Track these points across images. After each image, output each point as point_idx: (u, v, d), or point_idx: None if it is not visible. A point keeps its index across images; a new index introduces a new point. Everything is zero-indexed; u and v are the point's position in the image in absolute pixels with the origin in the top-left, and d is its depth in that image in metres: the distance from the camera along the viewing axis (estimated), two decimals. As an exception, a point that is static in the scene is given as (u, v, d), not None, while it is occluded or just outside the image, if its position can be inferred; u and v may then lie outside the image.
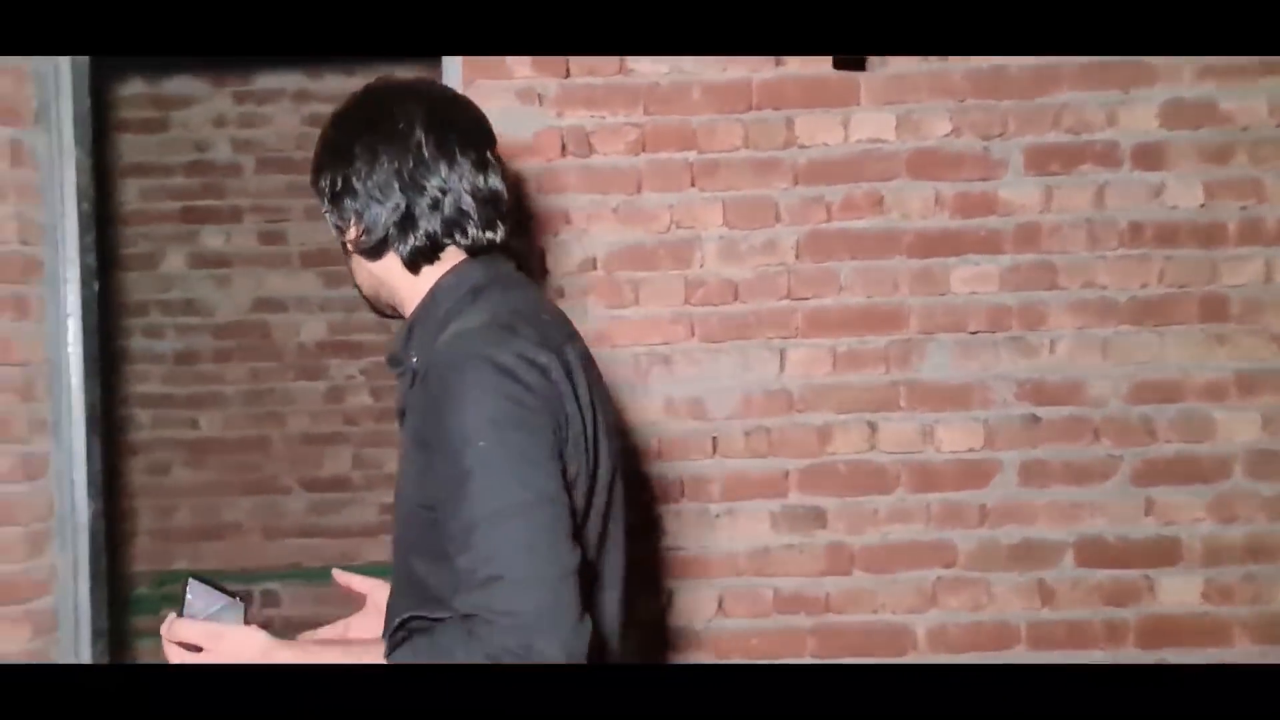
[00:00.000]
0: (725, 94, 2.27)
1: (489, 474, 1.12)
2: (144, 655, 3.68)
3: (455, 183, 1.29)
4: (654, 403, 2.27)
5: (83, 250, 2.32)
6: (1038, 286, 2.30)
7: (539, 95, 2.25)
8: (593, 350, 2.24)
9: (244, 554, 3.90)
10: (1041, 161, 2.30)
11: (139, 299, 3.88)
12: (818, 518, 2.29)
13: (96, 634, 2.33)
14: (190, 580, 1.35)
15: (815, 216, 2.29)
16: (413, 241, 1.29)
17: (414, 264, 1.31)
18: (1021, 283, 2.30)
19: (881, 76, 2.28)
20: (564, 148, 2.26)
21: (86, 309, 2.33)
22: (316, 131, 3.98)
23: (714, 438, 2.28)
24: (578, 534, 1.17)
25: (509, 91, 2.25)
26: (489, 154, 1.33)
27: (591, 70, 2.26)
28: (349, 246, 1.35)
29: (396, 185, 1.28)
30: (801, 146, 2.29)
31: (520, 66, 2.24)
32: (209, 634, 1.26)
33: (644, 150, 2.27)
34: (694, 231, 2.28)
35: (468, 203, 1.29)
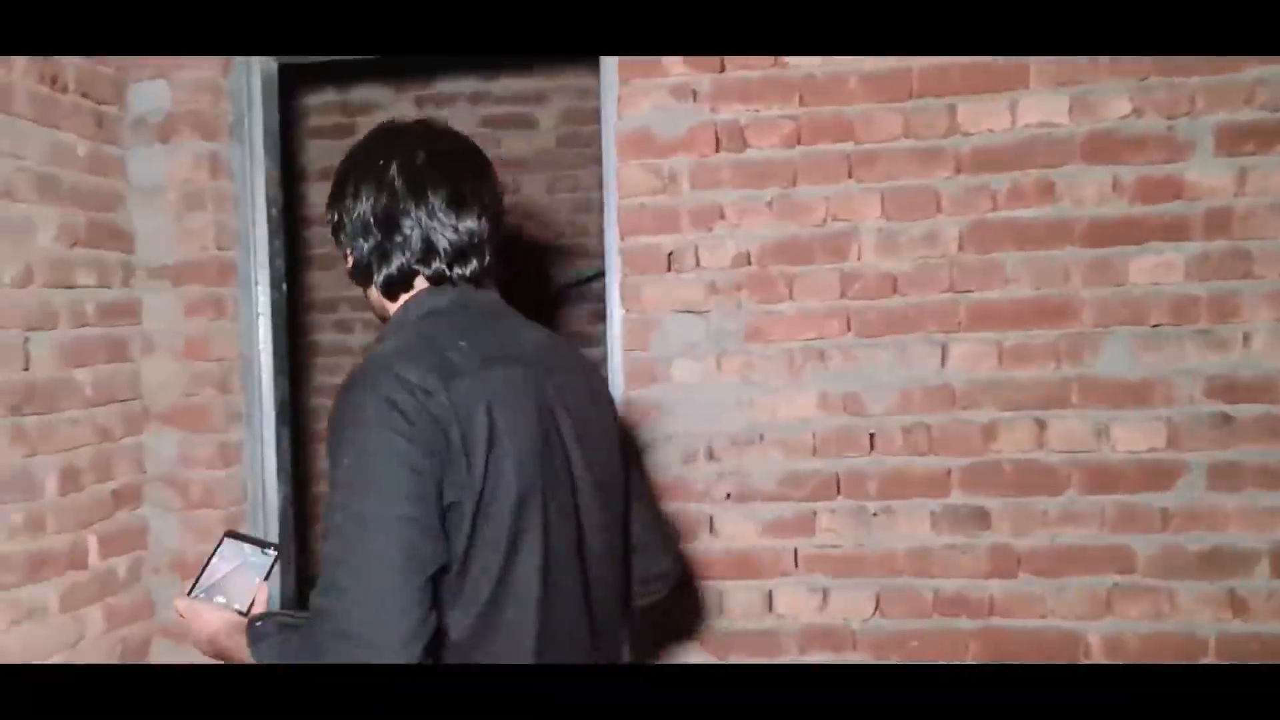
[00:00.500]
0: (883, 83, 2.21)
1: (345, 490, 1.21)
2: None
3: (425, 220, 1.37)
4: (808, 398, 2.24)
5: (272, 254, 2.49)
6: (1230, 276, 2.14)
7: (693, 91, 2.26)
8: (746, 345, 2.24)
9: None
10: (1235, 141, 2.13)
11: (330, 296, 4.12)
12: (981, 518, 2.20)
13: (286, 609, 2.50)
14: (224, 538, 1.50)
15: (980, 206, 2.20)
16: (386, 272, 1.40)
17: (389, 292, 1.42)
18: (1211, 272, 2.14)
19: (1053, 57, 2.16)
20: (718, 143, 2.25)
21: (275, 309, 2.50)
22: (492, 132, 4.16)
23: (871, 434, 2.23)
24: (441, 551, 1.23)
25: (663, 89, 2.26)
26: (466, 191, 1.38)
27: (746, 65, 2.24)
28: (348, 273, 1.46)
29: (372, 221, 1.38)
30: (965, 134, 2.20)
31: (674, 64, 2.25)
32: (190, 609, 1.44)
33: (799, 143, 2.24)
34: (851, 224, 2.23)
35: (438, 239, 1.38)
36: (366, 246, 1.40)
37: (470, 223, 1.39)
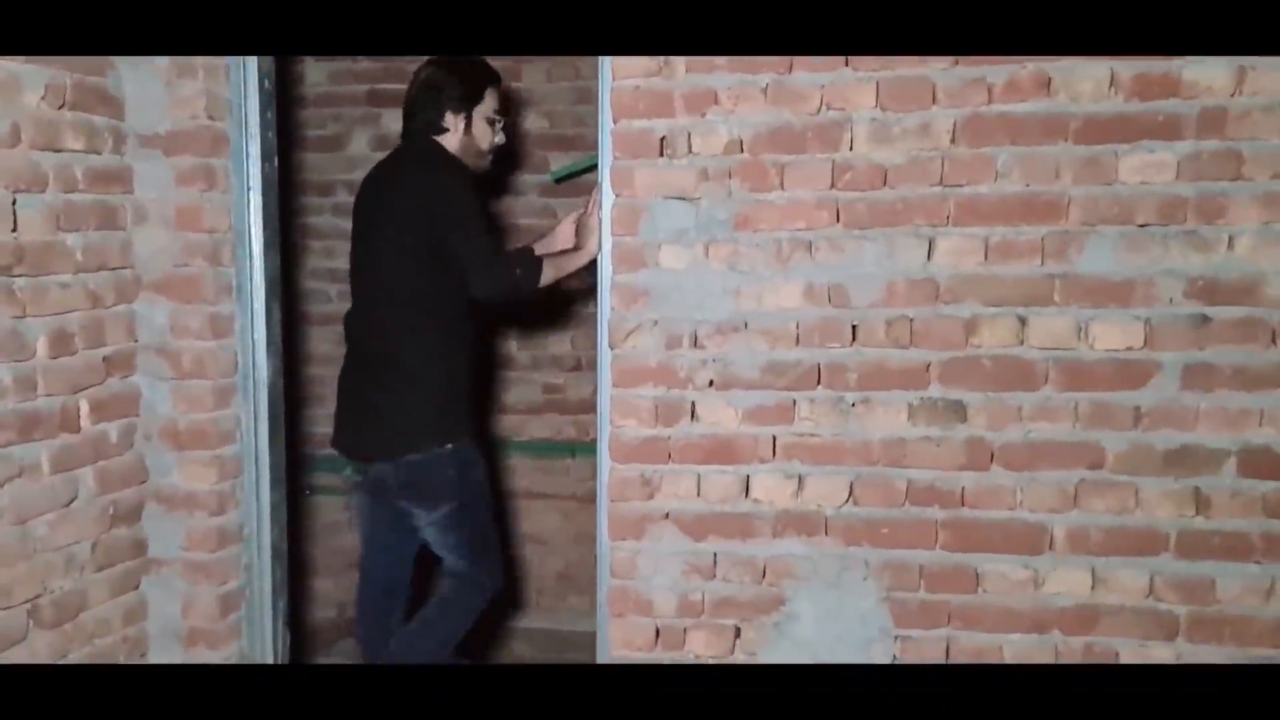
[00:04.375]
0: (884, -32, 2.17)
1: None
2: (324, 509, 4.00)
3: None
4: (794, 289, 2.26)
5: (264, 127, 2.48)
6: (1220, 177, 2.13)
7: (691, -28, 2.22)
8: (734, 234, 2.24)
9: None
10: (1236, 40, 2.10)
11: (327, 179, 4.10)
12: (958, 411, 2.24)
13: (275, 481, 2.56)
14: None
15: (975, 99, 2.18)
16: None
17: None
18: (1201, 172, 2.13)
19: (1057, -53, 2.12)
20: (714, 26, 2.23)
21: (267, 184, 2.50)
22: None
23: (854, 325, 2.26)
24: None
25: (660, -32, 2.22)
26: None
27: (745, -55, 2.20)
28: None
29: None
30: (964, 24, 2.17)
31: (673, -58, 2.21)
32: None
33: (796, 29, 2.21)
34: (845, 113, 2.22)
35: None
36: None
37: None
